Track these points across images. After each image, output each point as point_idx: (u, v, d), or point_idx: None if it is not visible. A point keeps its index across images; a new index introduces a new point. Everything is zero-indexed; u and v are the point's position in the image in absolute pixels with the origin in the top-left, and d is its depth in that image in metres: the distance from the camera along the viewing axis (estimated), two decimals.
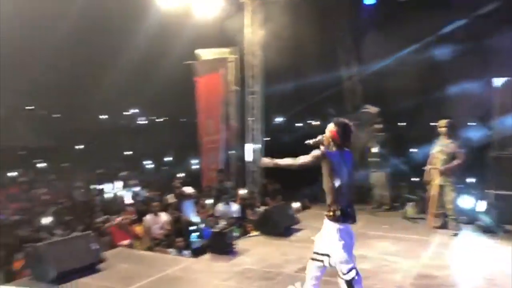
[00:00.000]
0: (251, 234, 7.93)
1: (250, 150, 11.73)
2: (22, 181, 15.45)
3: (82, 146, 25.96)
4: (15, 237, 8.28)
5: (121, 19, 17.44)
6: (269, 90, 12.91)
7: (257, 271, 5.68)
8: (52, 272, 5.27)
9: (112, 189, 13.78)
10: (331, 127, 4.14)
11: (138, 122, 38.69)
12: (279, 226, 7.50)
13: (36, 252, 5.59)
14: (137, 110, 36.28)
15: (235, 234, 8.51)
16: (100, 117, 33.21)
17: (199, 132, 12.70)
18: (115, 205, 10.78)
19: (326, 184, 4.14)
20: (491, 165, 8.40)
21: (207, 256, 6.48)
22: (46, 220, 8.59)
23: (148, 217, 8.67)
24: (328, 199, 4.16)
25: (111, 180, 15.15)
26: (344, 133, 4.11)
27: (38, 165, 20.72)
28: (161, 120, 34.83)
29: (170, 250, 8.04)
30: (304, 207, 10.74)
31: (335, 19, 12.87)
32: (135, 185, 13.28)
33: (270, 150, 12.50)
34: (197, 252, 7.53)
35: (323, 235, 4.27)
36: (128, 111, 37.52)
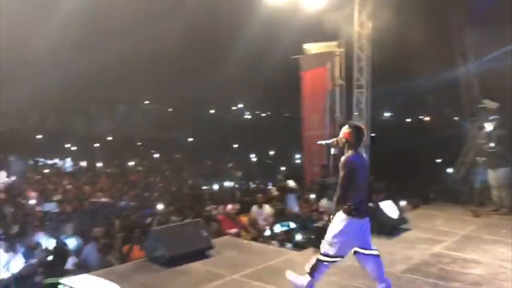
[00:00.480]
0: None
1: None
2: (139, 170, 16.78)
3: (192, 139, 27.40)
4: (132, 221, 9.05)
5: (229, 15, 18.05)
6: (377, 84, 12.50)
7: (359, 269, 5.55)
8: (165, 255, 5.65)
9: (219, 180, 14.39)
10: (345, 130, 4.49)
11: (244, 116, 39.95)
12: (384, 225, 7.25)
13: (151, 236, 6.04)
14: (242, 105, 37.33)
15: None
16: (210, 111, 34.75)
17: (303, 127, 12.72)
18: (222, 195, 11.25)
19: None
20: None
21: (309, 251, 6.47)
22: (160, 207, 9.22)
23: (254, 208, 8.92)
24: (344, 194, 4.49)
25: (218, 171, 15.83)
26: (357, 135, 4.44)
27: (154, 156, 22.29)
28: (266, 114, 35.57)
29: (273, 242, 8.21)
30: (414, 206, 10.29)
31: (451, 9, 12.05)
32: (240, 177, 13.74)
33: (376, 146, 12.15)
34: (299, 246, 7.60)
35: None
36: (235, 106, 38.83)
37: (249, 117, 39.79)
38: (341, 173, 4.43)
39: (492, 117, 10.07)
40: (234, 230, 7.73)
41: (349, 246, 4.56)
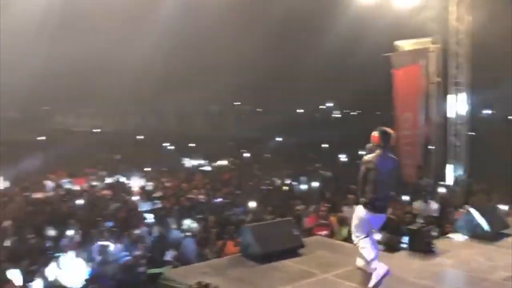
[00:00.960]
0: (450, 235, 7.46)
1: (451, 146, 11.00)
2: (232, 168, 17.34)
3: (281, 139, 27.70)
4: (225, 217, 9.44)
5: (319, 14, 18.02)
6: (478, 80, 11.83)
7: (458, 274, 5.37)
8: (259, 252, 5.86)
9: (307, 179, 14.46)
10: (374, 134, 5.15)
11: (333, 115, 39.53)
12: (484, 229, 6.88)
13: (245, 232, 6.29)
14: (331, 104, 37.02)
15: (434, 233, 8.15)
16: (297, 111, 34.88)
17: (395, 126, 12.38)
18: (310, 195, 11.31)
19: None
20: None
21: (403, 253, 6.36)
22: (253, 204, 9.51)
23: (346, 209, 8.90)
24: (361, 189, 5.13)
25: (306, 171, 15.89)
26: (384, 137, 5.10)
27: (244, 155, 22.88)
28: (356, 113, 34.91)
29: None
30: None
31: None
32: (329, 177, 13.68)
33: (475, 146, 11.51)
34: (391, 249, 7.46)
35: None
36: (323, 105, 38.60)
37: (339, 115, 39.31)
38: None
39: None
40: (324, 232, 7.76)
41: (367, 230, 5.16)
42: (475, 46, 10.49)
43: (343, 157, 20.77)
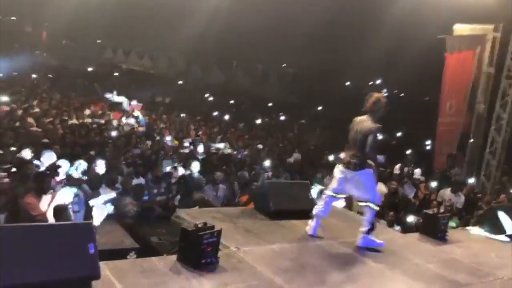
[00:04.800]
0: (468, 228, 7.33)
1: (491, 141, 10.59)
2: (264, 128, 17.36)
3: (321, 107, 27.39)
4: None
5: None
6: None
7: (464, 264, 5.30)
8: (271, 208, 5.97)
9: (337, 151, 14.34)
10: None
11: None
12: (501, 226, 6.72)
13: (262, 188, 6.42)
14: (380, 81, 36.10)
15: (452, 223, 8.02)
16: (346, 83, 34.23)
17: (439, 112, 12.05)
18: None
19: None
20: None
21: (415, 235, 6.32)
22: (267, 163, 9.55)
23: None
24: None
25: (337, 143, 15.67)
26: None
27: (281, 118, 22.85)
28: (403, 94, 33.90)
29: (381, 220, 8.10)
30: None
31: None
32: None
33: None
34: (407, 229, 7.45)
35: None
36: (372, 81, 37.66)
37: (385, 94, 38.22)
38: None
39: None
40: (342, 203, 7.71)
41: None
42: None
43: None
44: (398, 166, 10.33)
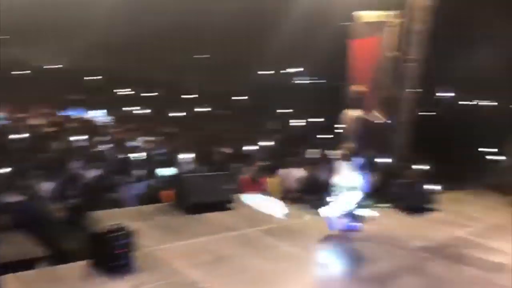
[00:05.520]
0: (382, 205, 7.74)
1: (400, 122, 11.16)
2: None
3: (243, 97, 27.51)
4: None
5: None
6: (435, 59, 11.92)
7: (377, 240, 5.59)
8: (189, 201, 5.90)
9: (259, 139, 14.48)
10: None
11: (294, 81, 39.41)
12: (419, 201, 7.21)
13: (179, 182, 6.31)
14: (294, 70, 36.82)
15: (366, 203, 8.42)
16: (259, 72, 34.53)
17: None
18: (252, 156, 11.24)
19: None
20: None
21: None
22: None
23: (283, 171, 9.01)
24: None
25: (258, 132, 15.88)
26: None
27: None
28: (319, 81, 34.97)
29: (301, 205, 8.31)
30: (450, 190, 10.03)
31: None
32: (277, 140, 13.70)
33: (420, 125, 11.79)
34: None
35: None
36: (285, 70, 38.31)
37: (301, 82, 39.23)
38: None
39: None
40: (258, 191, 7.81)
41: None
42: (434, 23, 10.55)
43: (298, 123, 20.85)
44: (309, 152, 10.65)
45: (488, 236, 6.32)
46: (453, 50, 13.81)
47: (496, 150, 13.88)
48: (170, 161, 9.87)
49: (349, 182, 5.42)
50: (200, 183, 6.29)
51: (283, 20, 19.68)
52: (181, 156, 9.73)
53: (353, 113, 5.41)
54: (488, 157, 13.12)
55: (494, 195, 9.03)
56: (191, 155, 9.68)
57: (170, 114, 19.38)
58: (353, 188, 5.44)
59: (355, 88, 5.83)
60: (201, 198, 6.01)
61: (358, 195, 5.48)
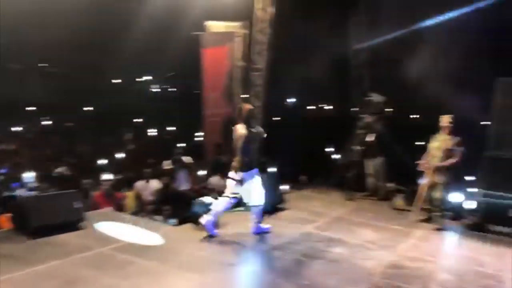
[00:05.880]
0: (236, 209, 7.99)
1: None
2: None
3: (91, 108, 26.08)
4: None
5: None
6: (278, 69, 12.71)
7: (233, 245, 5.77)
8: (32, 225, 5.41)
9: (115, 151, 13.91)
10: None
11: (151, 90, 38.72)
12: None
13: (19, 205, 5.74)
14: (149, 78, 36.21)
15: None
16: (113, 81, 33.22)
17: (204, 105, 12.71)
18: (105, 170, 10.75)
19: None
20: (484, 164, 8.32)
21: (188, 226, 6.57)
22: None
23: (139, 183, 8.81)
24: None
25: (115, 144, 15.28)
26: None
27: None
28: (174, 90, 34.82)
29: (157, 217, 8.19)
30: (298, 189, 10.76)
31: None
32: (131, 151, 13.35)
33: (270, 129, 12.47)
34: (183, 222, 7.65)
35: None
36: (141, 78, 37.48)
37: (156, 90, 38.66)
38: None
39: (375, 110, 10.82)
40: (109, 207, 7.52)
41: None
42: (276, 35, 11.29)
43: (153, 132, 20.52)
44: (168, 161, 10.55)
45: (331, 229, 6.97)
46: (293, 60, 14.98)
47: (333, 149, 15.32)
48: (11, 181, 8.98)
49: (235, 193, 6.02)
50: (42, 203, 5.80)
51: (136, 28, 19.19)
52: (23, 175, 8.88)
53: (240, 128, 5.92)
54: (332, 156, 14.32)
55: (337, 192, 9.93)
56: (32, 173, 8.88)
57: (12, 129, 17.52)
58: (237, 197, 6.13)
59: (241, 105, 6.30)
60: (45, 220, 5.55)
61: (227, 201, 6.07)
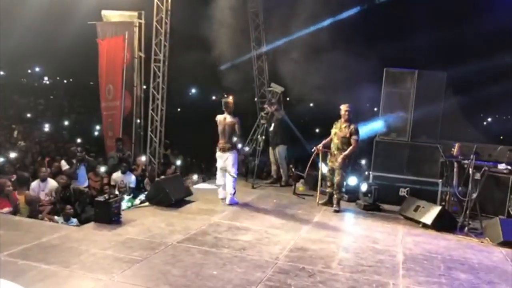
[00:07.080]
0: (141, 205, 7.86)
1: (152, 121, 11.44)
2: None
3: None
4: None
5: None
6: (179, 60, 12.57)
7: (139, 241, 5.66)
8: None
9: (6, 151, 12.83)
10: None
11: (42, 81, 36.22)
12: (169, 198, 7.50)
13: None
14: (40, 69, 33.95)
15: (128, 204, 8.43)
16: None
17: (100, 97, 12.22)
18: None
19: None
20: (375, 149, 9.03)
21: (90, 225, 6.31)
22: None
23: (34, 184, 8.29)
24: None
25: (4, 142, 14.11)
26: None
27: None
28: (66, 81, 32.91)
29: (57, 218, 7.77)
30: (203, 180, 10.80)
31: None
32: (25, 149, 12.47)
33: (172, 120, 12.35)
34: (86, 221, 7.34)
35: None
36: (30, 69, 35.04)
37: (48, 82, 36.27)
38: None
39: (274, 101, 11.18)
40: (6, 209, 6.98)
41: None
42: (176, 26, 11.14)
43: (46, 127, 19.13)
44: (63, 162, 10.03)
45: (237, 218, 7.13)
46: (189, 51, 14.90)
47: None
48: None
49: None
50: None
51: (24, 14, 17.74)
52: None
53: (228, 117, 7.81)
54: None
55: (242, 180, 10.11)
56: None
57: None
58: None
59: (225, 98, 8.14)
60: None
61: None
